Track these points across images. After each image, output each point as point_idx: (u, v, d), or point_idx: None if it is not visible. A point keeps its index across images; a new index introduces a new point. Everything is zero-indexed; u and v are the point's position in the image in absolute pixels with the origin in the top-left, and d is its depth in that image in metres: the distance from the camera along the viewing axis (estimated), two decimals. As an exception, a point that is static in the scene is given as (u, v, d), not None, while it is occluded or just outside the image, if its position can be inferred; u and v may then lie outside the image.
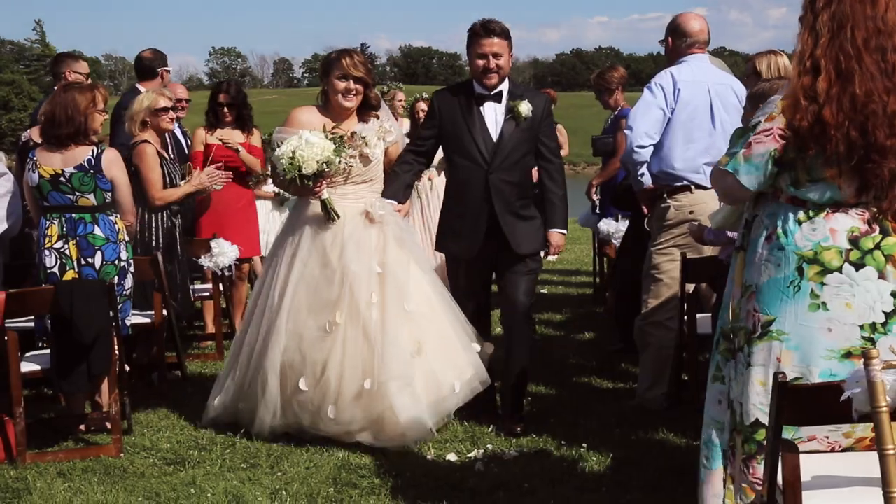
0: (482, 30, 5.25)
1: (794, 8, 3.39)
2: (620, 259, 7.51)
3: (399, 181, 5.40)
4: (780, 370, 3.04)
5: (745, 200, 3.38)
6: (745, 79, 5.79)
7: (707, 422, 3.46)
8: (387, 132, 5.40)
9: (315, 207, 5.23)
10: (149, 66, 7.60)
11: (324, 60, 5.44)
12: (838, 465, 3.06)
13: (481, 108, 5.31)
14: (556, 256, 8.49)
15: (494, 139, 5.27)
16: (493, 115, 5.31)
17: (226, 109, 7.60)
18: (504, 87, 5.34)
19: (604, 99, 8.35)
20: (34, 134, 6.48)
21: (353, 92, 5.27)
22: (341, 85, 5.24)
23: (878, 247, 3.13)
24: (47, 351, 5.28)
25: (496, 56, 5.23)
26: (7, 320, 4.97)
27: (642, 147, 5.62)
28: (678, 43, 5.81)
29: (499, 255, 5.36)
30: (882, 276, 3.11)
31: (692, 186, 5.66)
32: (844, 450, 3.15)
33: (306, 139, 4.97)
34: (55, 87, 6.35)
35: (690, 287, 5.60)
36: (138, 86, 7.53)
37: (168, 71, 7.63)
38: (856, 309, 3.12)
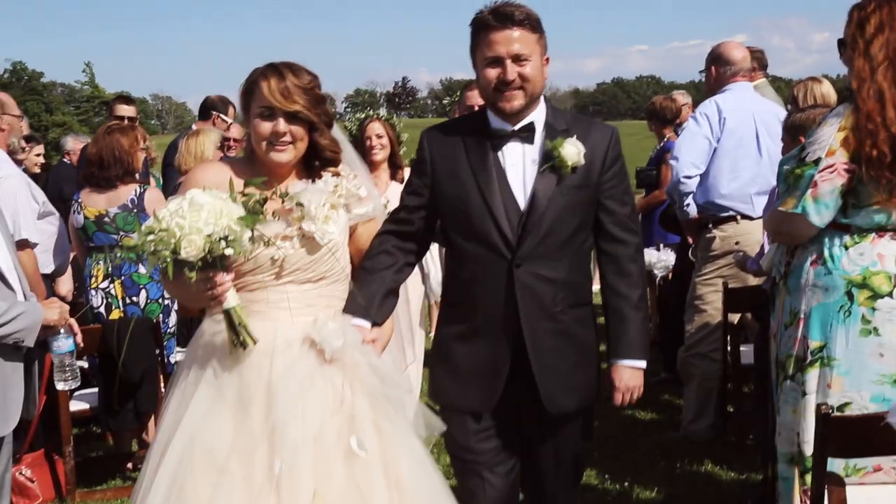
0: (493, 17, 3.19)
1: (837, 32, 3.38)
2: (664, 289, 7.46)
3: (371, 286, 3.23)
4: (830, 396, 3.02)
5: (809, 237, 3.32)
6: (787, 107, 5.78)
7: (778, 455, 3.42)
8: (351, 197, 3.21)
9: (217, 325, 3.08)
10: (205, 108, 7.79)
11: (243, 86, 3.21)
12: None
13: (500, 152, 3.26)
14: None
15: (523, 206, 3.22)
16: (519, 164, 3.26)
17: None
18: (537, 114, 3.28)
19: (657, 127, 8.23)
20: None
21: (286, 138, 3.09)
22: (264, 127, 3.08)
23: None
24: (95, 389, 5.36)
25: (518, 59, 3.18)
26: (56, 359, 5.05)
27: (688, 178, 5.60)
28: (721, 71, 5.80)
29: (523, 408, 3.37)
30: None
31: (738, 216, 5.61)
32: None
33: (191, 200, 2.91)
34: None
35: (734, 317, 5.55)
36: (194, 126, 7.70)
37: (221, 118, 7.71)
38: None
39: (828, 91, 5.71)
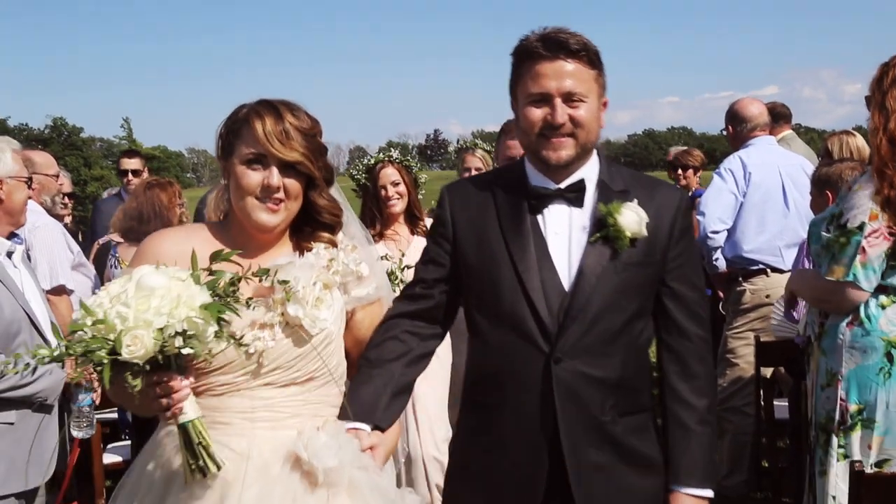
0: (542, 45, 2.60)
1: (868, 83, 3.43)
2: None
3: (375, 382, 2.60)
4: (869, 457, 3.01)
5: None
6: (819, 158, 5.83)
7: None
8: (348, 275, 2.59)
9: (170, 443, 2.43)
10: None
11: (224, 125, 2.57)
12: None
13: (540, 216, 2.65)
14: None
15: (567, 285, 2.61)
16: (563, 232, 2.64)
17: None
18: (588, 170, 2.68)
19: (677, 176, 8.23)
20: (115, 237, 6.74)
21: (279, 194, 2.50)
22: (252, 179, 2.48)
23: None
24: (128, 442, 5.41)
25: (571, 98, 2.59)
26: (91, 412, 5.11)
27: (716, 232, 5.63)
28: (739, 129, 5.89)
29: None
30: None
31: (768, 269, 5.61)
32: None
33: (139, 282, 2.23)
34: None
35: (767, 371, 5.51)
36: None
37: None
38: None
39: (862, 144, 5.74)
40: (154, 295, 2.19)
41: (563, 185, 2.64)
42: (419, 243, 4.65)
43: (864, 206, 3.19)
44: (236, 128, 2.51)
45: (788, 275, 5.09)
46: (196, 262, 2.29)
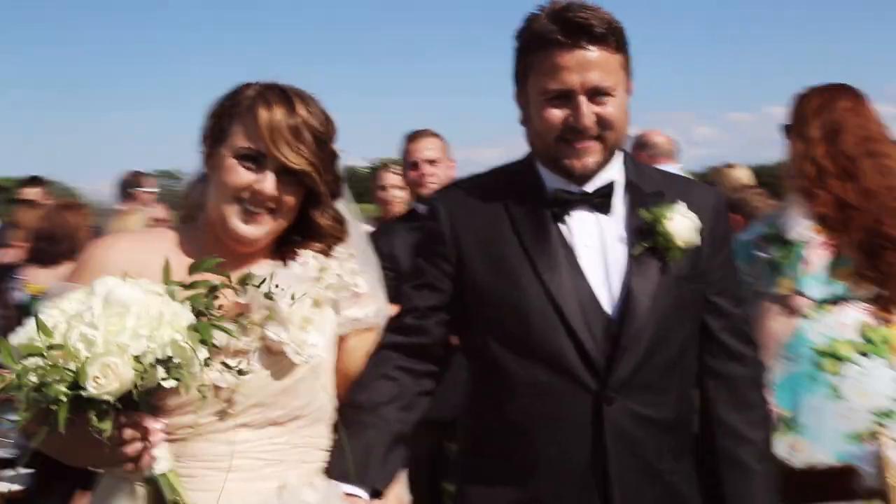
0: (561, 29, 2.16)
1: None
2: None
3: (367, 433, 2.17)
4: (794, 458, 3.23)
5: None
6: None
7: None
8: (342, 290, 2.17)
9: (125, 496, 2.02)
10: (125, 187, 7.66)
11: (221, 104, 2.14)
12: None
13: (564, 226, 2.26)
14: None
15: (609, 309, 2.22)
16: (595, 245, 2.25)
17: None
18: (614, 170, 2.31)
19: None
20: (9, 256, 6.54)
21: (271, 203, 2.08)
22: (241, 178, 2.05)
23: (883, 337, 3.37)
24: (29, 470, 5.18)
25: (597, 94, 2.19)
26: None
27: None
28: (646, 154, 6.21)
29: None
30: (889, 364, 3.35)
31: None
32: None
33: (107, 296, 1.81)
34: None
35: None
36: (116, 206, 7.62)
37: (145, 191, 7.61)
38: (869, 396, 3.33)
39: (742, 174, 6.38)
40: (129, 313, 1.73)
41: (590, 190, 2.24)
42: None
43: (803, 223, 3.39)
44: (236, 111, 2.05)
45: None
46: (169, 273, 1.86)
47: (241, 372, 1.92)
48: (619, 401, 2.12)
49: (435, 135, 4.81)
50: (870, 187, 3.35)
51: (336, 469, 2.10)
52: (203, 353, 1.79)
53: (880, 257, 3.34)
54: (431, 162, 4.70)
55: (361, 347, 2.20)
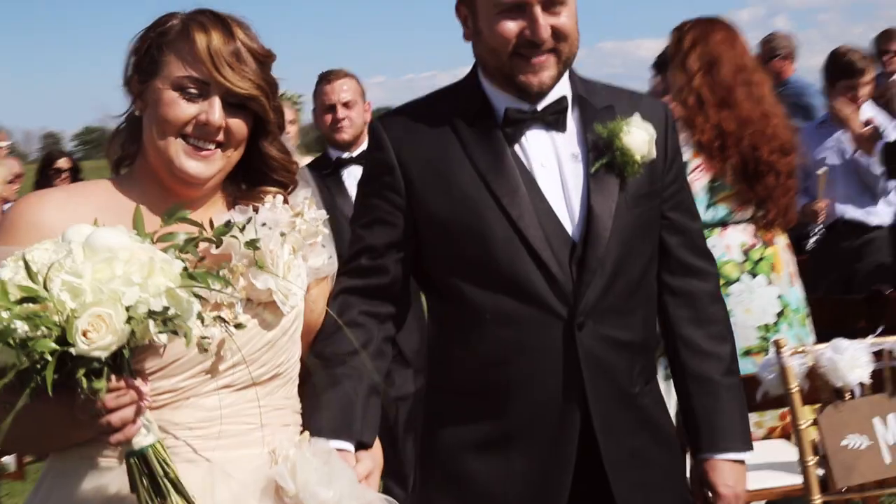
0: None
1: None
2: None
3: (343, 384, 2.05)
4: None
5: None
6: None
7: None
8: (311, 237, 1.95)
9: (106, 479, 1.76)
10: None
11: (146, 35, 1.90)
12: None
13: (518, 146, 2.14)
14: None
15: (572, 230, 2.13)
16: (551, 164, 2.15)
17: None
18: (563, 86, 2.18)
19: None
20: None
21: (220, 136, 1.87)
22: (183, 111, 1.83)
23: (763, 257, 3.61)
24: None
25: (550, 5, 2.06)
26: None
27: None
28: None
29: None
30: (770, 282, 3.60)
31: None
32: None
33: (89, 240, 1.56)
34: None
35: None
36: None
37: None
38: (754, 313, 3.57)
39: None
40: (117, 258, 1.51)
41: (540, 107, 2.12)
42: None
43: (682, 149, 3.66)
44: (166, 40, 1.84)
45: None
46: (142, 222, 1.66)
47: (238, 326, 1.74)
48: (589, 325, 2.06)
49: (350, 75, 4.55)
50: (746, 115, 3.55)
51: (318, 425, 1.94)
52: (198, 304, 1.59)
53: (759, 181, 3.56)
54: (346, 105, 4.43)
55: (321, 297, 2.04)
